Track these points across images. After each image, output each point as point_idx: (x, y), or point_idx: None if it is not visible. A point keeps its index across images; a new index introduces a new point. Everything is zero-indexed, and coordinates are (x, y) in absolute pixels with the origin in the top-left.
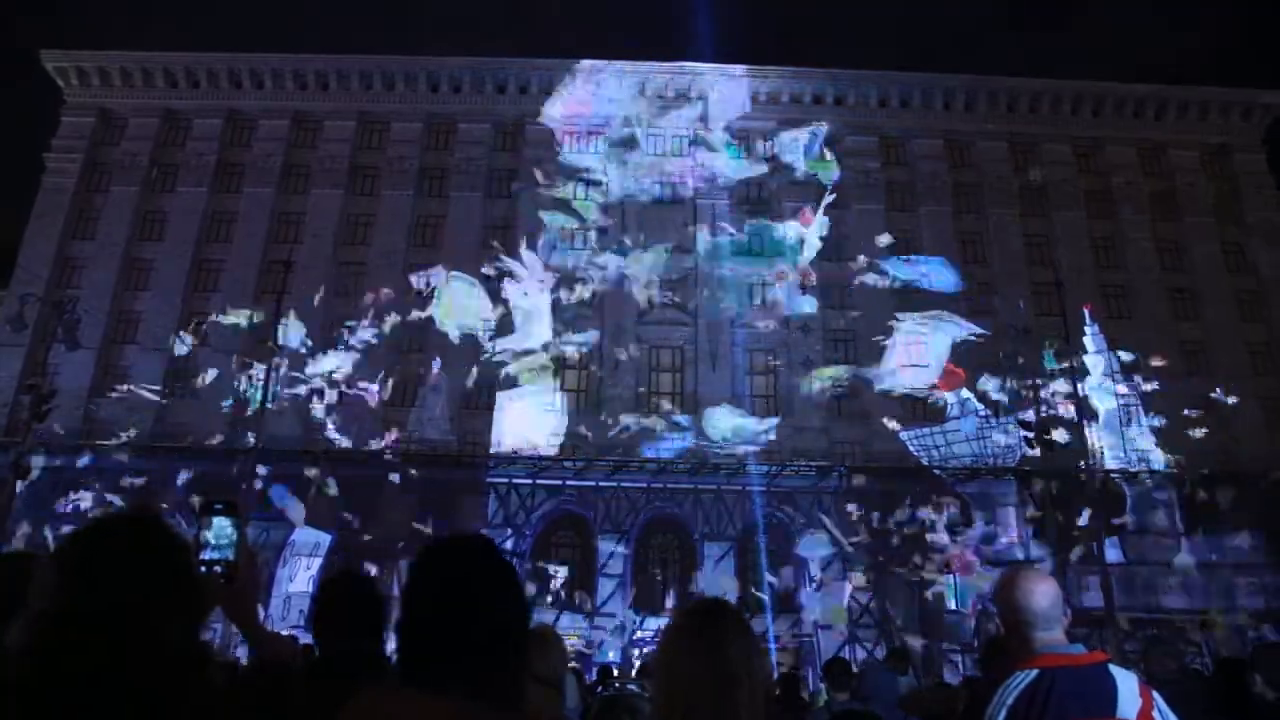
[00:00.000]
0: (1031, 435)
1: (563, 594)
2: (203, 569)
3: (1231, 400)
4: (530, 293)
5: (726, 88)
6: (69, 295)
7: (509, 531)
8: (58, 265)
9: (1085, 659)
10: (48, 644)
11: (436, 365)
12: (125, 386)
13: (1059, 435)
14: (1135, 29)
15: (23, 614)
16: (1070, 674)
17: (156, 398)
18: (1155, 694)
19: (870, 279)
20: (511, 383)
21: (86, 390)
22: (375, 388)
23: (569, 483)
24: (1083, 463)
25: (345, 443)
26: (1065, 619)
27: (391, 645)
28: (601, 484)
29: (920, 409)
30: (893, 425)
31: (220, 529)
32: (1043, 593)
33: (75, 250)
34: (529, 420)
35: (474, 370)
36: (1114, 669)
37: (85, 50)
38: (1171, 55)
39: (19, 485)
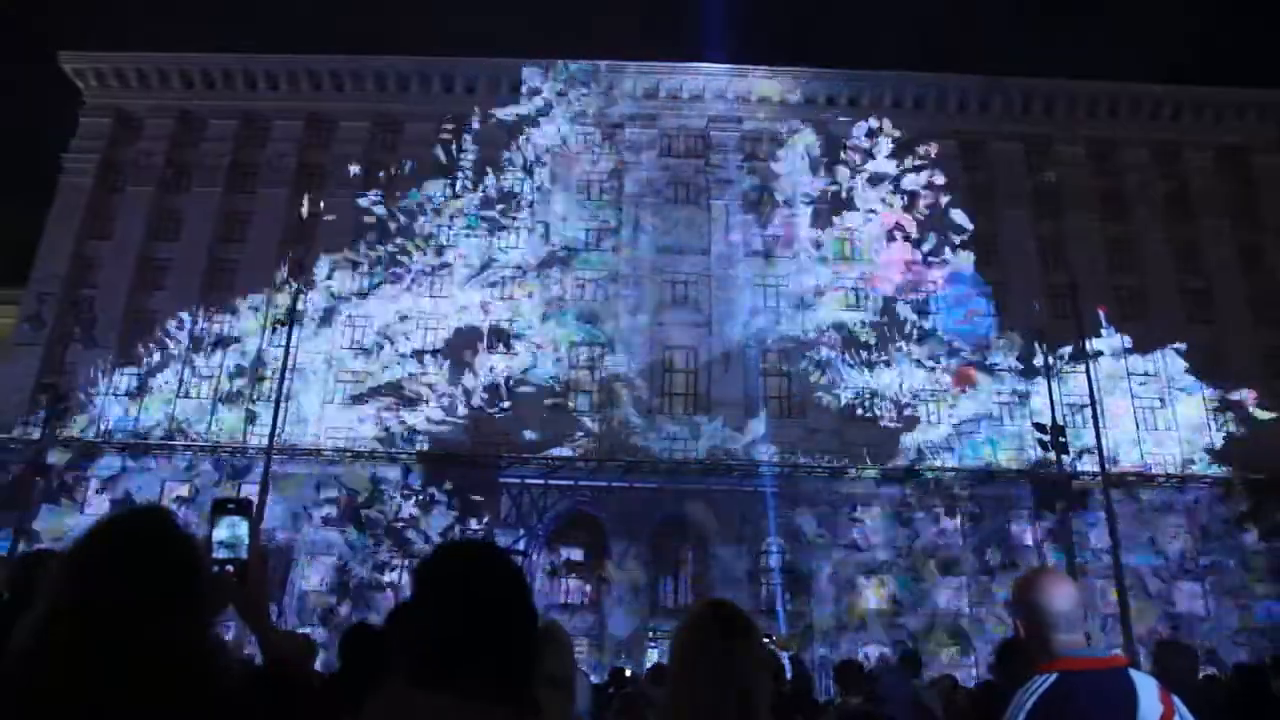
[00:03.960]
0: (1046, 438)
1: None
2: (215, 568)
3: (1246, 402)
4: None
5: (739, 88)
6: (85, 295)
7: (521, 531)
8: (74, 265)
9: (1106, 663)
10: (51, 642)
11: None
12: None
13: (1072, 438)
14: (1135, 29)
15: (28, 612)
16: (1091, 678)
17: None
18: (1176, 699)
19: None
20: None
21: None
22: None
23: (581, 483)
24: (1096, 466)
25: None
26: (1086, 623)
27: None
28: (614, 484)
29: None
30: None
31: (232, 528)
32: (1063, 595)
33: (91, 250)
34: None
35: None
36: (1134, 673)
37: (103, 52)
38: (1172, 55)
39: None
